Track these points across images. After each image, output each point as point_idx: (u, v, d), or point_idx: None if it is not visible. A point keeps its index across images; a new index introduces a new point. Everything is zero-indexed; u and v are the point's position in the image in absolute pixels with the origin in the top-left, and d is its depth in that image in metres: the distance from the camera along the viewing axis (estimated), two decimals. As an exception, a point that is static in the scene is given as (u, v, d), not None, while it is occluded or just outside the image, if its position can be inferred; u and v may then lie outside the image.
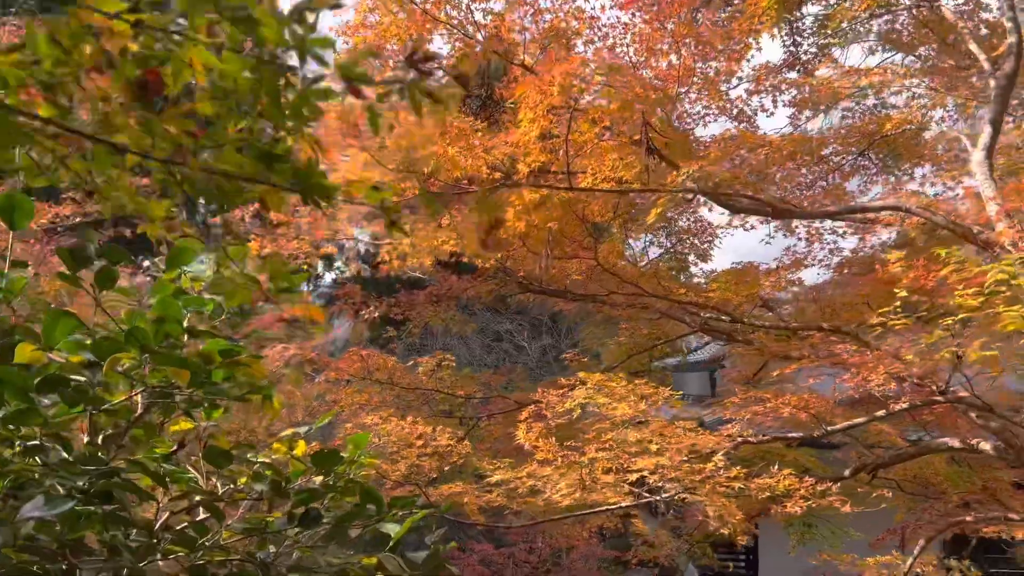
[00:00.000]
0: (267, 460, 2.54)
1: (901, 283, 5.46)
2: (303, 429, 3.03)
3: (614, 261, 8.97)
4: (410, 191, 5.52)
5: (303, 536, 2.44)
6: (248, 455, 2.47)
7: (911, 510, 10.81)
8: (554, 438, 5.50)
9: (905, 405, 5.98)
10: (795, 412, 6.10)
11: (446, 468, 6.02)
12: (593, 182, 5.99)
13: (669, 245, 11.04)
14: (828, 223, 9.37)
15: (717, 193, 6.58)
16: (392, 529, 2.25)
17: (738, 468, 5.17)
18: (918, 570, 6.98)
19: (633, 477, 5.17)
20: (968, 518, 7.06)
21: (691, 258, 10.77)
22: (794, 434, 6.43)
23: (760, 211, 7.10)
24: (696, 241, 10.99)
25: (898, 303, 5.44)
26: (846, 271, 10.18)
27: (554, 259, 8.77)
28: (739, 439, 6.37)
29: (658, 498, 5.22)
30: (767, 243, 10.55)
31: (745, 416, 6.52)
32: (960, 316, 5.11)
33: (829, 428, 6.28)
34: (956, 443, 7.17)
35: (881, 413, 6.21)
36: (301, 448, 2.61)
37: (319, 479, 2.59)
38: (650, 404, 5.72)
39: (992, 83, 6.55)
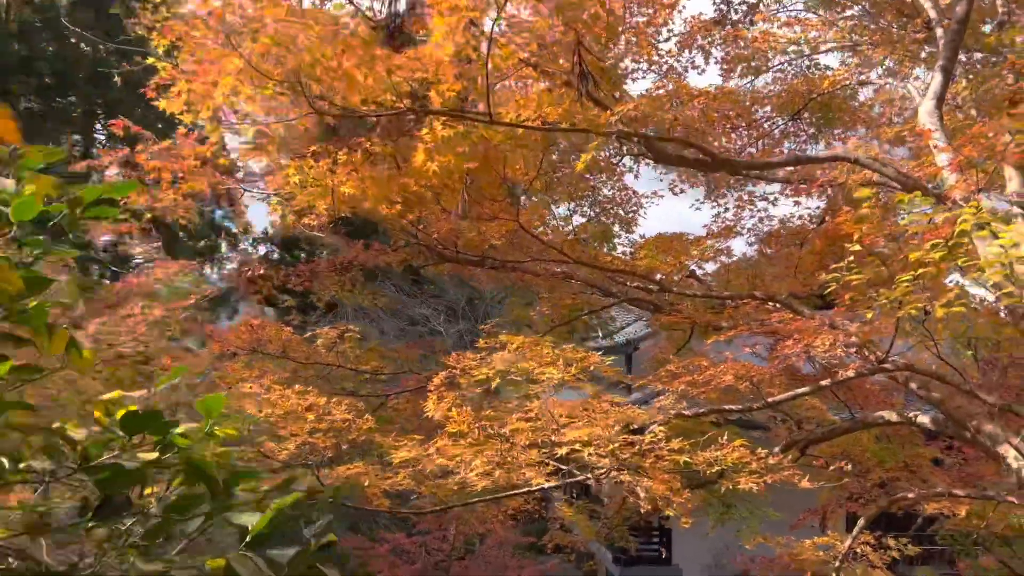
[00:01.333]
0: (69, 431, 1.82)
1: (854, 239, 4.92)
2: (138, 394, 2.35)
3: (537, 225, 8.26)
4: (300, 121, 4.65)
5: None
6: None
7: (835, 487, 10.58)
8: (469, 409, 4.75)
9: (851, 374, 5.49)
10: (735, 382, 5.54)
11: (344, 447, 5.19)
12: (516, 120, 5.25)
13: (593, 215, 10.42)
14: (760, 190, 8.93)
15: (653, 140, 5.95)
16: (249, 521, 1.75)
17: (680, 440, 4.54)
18: (856, 549, 6.56)
19: (563, 451, 4.49)
20: (910, 495, 6.68)
21: (616, 228, 10.18)
22: (732, 407, 5.88)
23: (699, 164, 6.51)
24: (621, 211, 10.42)
25: (851, 258, 4.91)
26: (774, 246, 9.80)
27: (472, 219, 8.01)
28: (672, 413, 5.76)
29: (590, 476, 4.55)
30: (696, 208, 10.03)
31: (679, 387, 5.92)
32: (920, 272, 4.61)
33: (770, 400, 5.74)
34: (893, 417, 6.78)
35: (825, 383, 5.71)
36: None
37: (147, 455, 1.87)
38: (578, 370, 5.04)
39: (940, 32, 6.13)
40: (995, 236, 4.48)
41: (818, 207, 9.70)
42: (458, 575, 17.03)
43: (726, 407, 5.85)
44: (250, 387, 5.09)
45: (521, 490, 5.17)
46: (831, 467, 8.07)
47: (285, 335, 7.52)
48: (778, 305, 7.60)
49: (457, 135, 5.17)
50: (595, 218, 10.20)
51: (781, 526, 11.89)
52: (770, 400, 5.71)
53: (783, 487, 9.19)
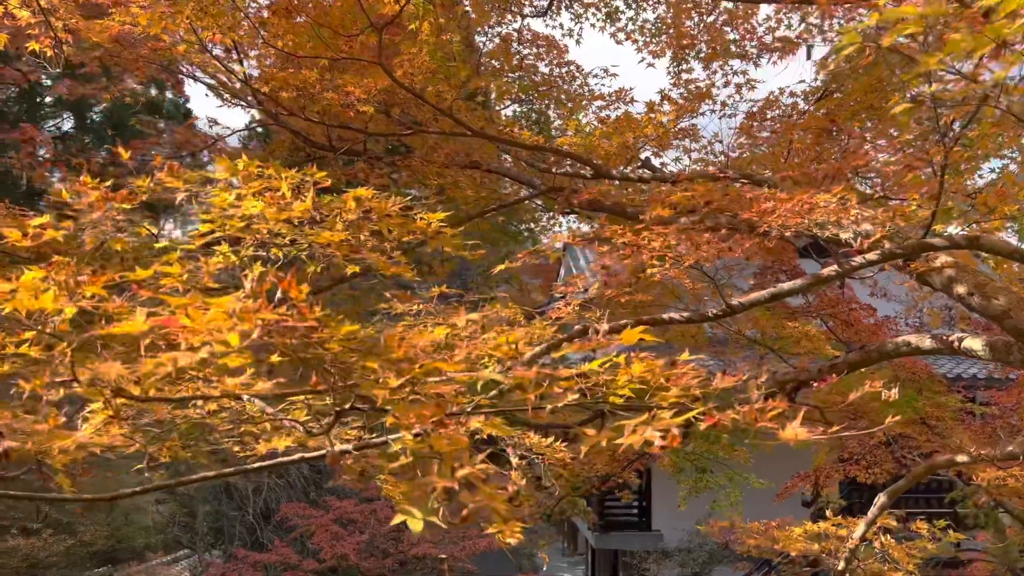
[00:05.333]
0: None
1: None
2: None
3: (421, 84, 5.85)
4: None
5: None
6: None
7: (831, 449, 8.40)
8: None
9: (873, 256, 3.20)
10: (677, 268, 3.23)
11: None
12: None
13: (525, 99, 8.00)
14: (734, 46, 6.52)
15: None
16: None
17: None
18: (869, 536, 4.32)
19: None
20: (940, 458, 4.42)
21: (554, 114, 7.77)
22: (675, 315, 3.57)
23: None
24: (562, 95, 7.99)
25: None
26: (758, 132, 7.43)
27: (328, 69, 5.61)
28: (577, 327, 3.47)
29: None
30: (649, 64, 7.44)
31: (595, 286, 3.61)
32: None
33: (737, 301, 3.43)
34: (926, 342, 4.50)
35: (830, 271, 3.41)
36: None
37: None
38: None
39: None
40: None
41: (815, 80, 7.33)
42: (411, 547, 15.01)
43: (667, 315, 3.54)
44: None
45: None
46: (825, 422, 5.79)
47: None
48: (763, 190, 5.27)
49: None
50: (525, 103, 7.79)
51: (767, 496, 9.77)
52: (737, 302, 3.40)
53: (766, 450, 6.99)
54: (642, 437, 1.53)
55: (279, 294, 1.52)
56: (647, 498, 16.16)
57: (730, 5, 6.40)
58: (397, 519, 1.35)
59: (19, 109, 15.85)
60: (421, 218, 3.01)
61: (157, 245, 2.48)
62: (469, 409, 1.98)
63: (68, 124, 17.32)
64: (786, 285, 3.41)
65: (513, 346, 1.93)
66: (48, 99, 16.61)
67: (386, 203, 2.59)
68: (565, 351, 3.52)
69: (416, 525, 1.33)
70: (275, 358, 1.73)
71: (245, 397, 2.42)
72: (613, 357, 2.01)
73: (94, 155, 17.77)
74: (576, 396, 1.85)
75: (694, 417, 1.72)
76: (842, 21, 5.65)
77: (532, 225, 8.85)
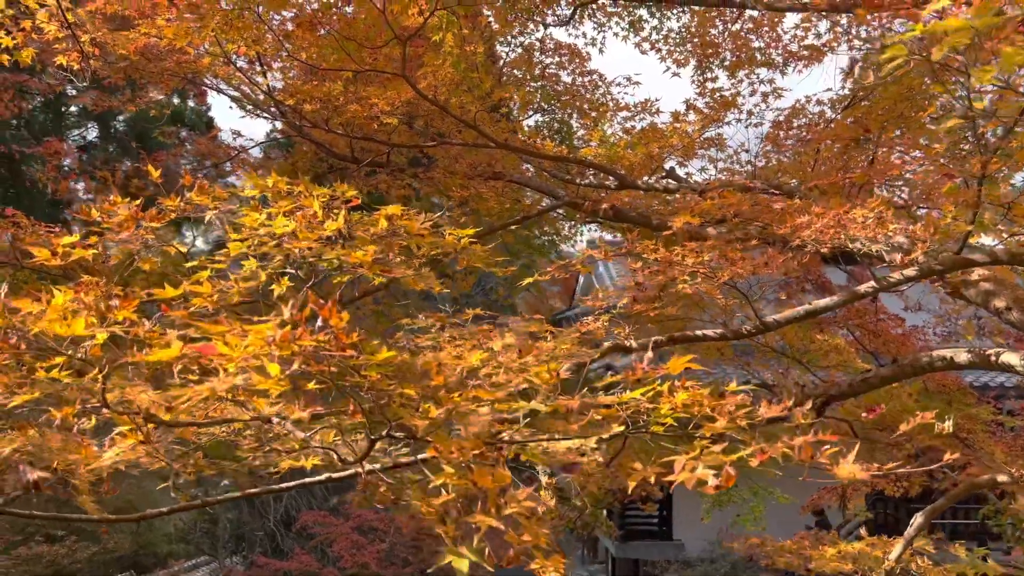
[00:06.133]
0: None
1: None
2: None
3: (444, 96, 5.82)
4: None
5: None
6: None
7: (857, 461, 8.25)
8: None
9: (911, 272, 3.11)
10: (706, 282, 3.15)
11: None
12: None
13: (548, 109, 7.95)
14: (759, 55, 6.43)
15: None
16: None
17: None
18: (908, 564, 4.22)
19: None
20: (981, 476, 4.30)
21: (576, 123, 7.71)
22: (707, 332, 3.50)
23: None
24: (585, 104, 7.93)
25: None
26: (784, 142, 7.34)
27: (352, 82, 5.59)
28: (611, 340, 3.41)
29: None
30: (674, 74, 7.25)
31: (624, 300, 3.55)
32: None
33: (771, 319, 3.35)
34: (963, 356, 4.39)
35: (867, 287, 3.33)
36: None
37: None
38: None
39: None
40: None
41: (843, 88, 7.23)
42: (431, 556, 14.95)
43: (700, 332, 3.47)
44: None
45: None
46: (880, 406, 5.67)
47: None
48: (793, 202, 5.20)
49: None
50: (547, 112, 7.73)
51: (792, 511, 9.62)
52: (771, 319, 3.33)
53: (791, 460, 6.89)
54: (695, 476, 1.47)
55: (319, 322, 1.47)
56: (668, 507, 16.02)
57: (755, 14, 6.32)
58: (444, 560, 1.30)
59: (44, 119, 16.00)
60: (450, 233, 2.97)
61: (188, 264, 2.45)
62: (507, 437, 1.92)
63: (92, 134, 17.49)
64: (821, 302, 3.33)
65: (555, 372, 1.87)
66: (73, 109, 16.76)
67: (415, 221, 2.55)
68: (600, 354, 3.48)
69: (462, 565, 1.27)
70: (312, 385, 1.68)
71: (275, 419, 2.37)
72: (656, 386, 1.95)
73: (118, 164, 17.94)
74: (620, 428, 1.79)
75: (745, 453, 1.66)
76: (869, 30, 5.56)
77: (554, 236, 8.79)
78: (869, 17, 5.34)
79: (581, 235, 12.20)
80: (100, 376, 1.75)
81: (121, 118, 16.80)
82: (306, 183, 2.73)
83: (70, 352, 1.80)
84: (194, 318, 2.27)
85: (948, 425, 2.20)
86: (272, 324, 1.44)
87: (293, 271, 2.67)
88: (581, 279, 19.94)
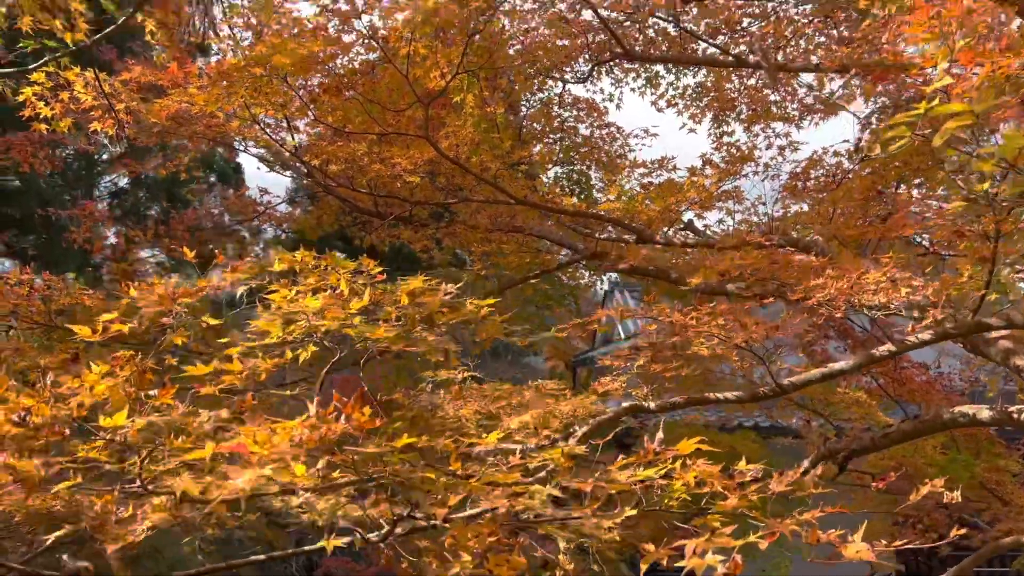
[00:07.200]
0: None
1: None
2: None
3: (465, 155, 5.97)
4: None
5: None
6: None
7: (885, 514, 8.14)
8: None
9: (927, 336, 3.15)
10: (726, 346, 3.21)
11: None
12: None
13: (567, 161, 8.09)
14: (775, 107, 6.54)
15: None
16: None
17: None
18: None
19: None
20: (1011, 537, 4.26)
21: (594, 175, 7.84)
22: (726, 395, 3.54)
23: None
24: (603, 156, 8.06)
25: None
26: (800, 193, 7.40)
27: (377, 144, 5.76)
28: (628, 402, 3.46)
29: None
30: (691, 130, 7.33)
31: (640, 362, 3.61)
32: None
33: (788, 381, 3.40)
34: (985, 413, 4.38)
35: (884, 350, 3.36)
36: None
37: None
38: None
39: None
40: None
41: (859, 140, 7.29)
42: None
43: (713, 396, 3.52)
44: None
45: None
46: (876, 483, 5.65)
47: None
48: (809, 258, 5.27)
49: None
50: (566, 163, 7.87)
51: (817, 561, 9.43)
52: (787, 381, 3.37)
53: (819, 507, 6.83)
54: (704, 563, 1.52)
55: (343, 420, 1.56)
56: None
57: (770, 68, 6.43)
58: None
59: (78, 166, 16.40)
60: (471, 303, 3.06)
61: (221, 340, 2.55)
62: (523, 513, 1.98)
63: (124, 180, 17.89)
64: (836, 365, 3.37)
65: (568, 456, 1.94)
66: (104, 156, 17.19)
67: (436, 296, 2.64)
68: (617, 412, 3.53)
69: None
70: (337, 474, 1.76)
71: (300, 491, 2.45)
72: (669, 464, 2.01)
73: (148, 209, 18.36)
74: (633, 511, 1.85)
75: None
76: (883, 86, 5.65)
77: (574, 287, 8.88)
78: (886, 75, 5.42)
79: (602, 282, 12.25)
80: (139, 462, 1.84)
81: (151, 157, 17.20)
82: (332, 257, 2.84)
83: (109, 437, 1.90)
84: (225, 395, 2.37)
85: (956, 495, 2.25)
86: (299, 423, 1.52)
87: (320, 341, 2.77)
88: (603, 319, 20.00)
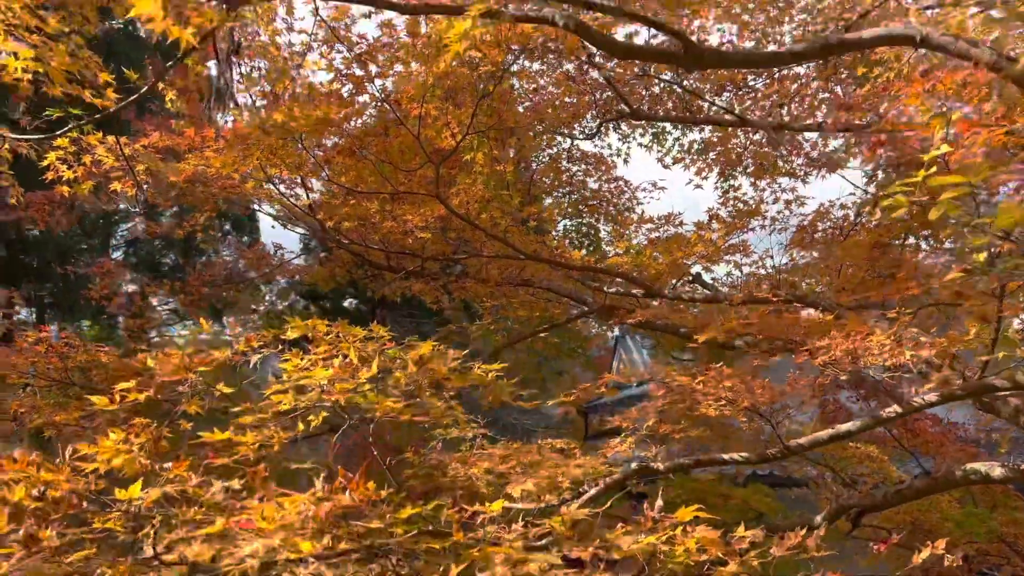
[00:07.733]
0: None
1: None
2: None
3: (475, 211, 6.09)
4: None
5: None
6: None
7: (900, 572, 8.00)
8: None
9: (932, 398, 3.17)
10: (730, 408, 3.25)
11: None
12: None
13: (575, 211, 8.20)
14: (781, 161, 6.64)
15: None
16: None
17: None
18: None
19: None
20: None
21: (603, 228, 7.93)
22: (734, 456, 3.56)
23: (663, 57, 4.25)
24: (612, 208, 8.17)
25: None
26: (807, 246, 7.46)
27: (389, 202, 5.89)
28: (635, 464, 3.48)
29: None
30: (697, 186, 7.33)
31: (650, 422, 3.64)
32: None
33: (795, 442, 3.42)
34: (997, 471, 4.37)
35: (890, 412, 3.38)
36: None
37: None
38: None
39: None
40: None
41: (866, 192, 7.37)
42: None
43: (725, 456, 3.54)
44: None
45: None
46: (878, 545, 5.58)
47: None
48: (817, 313, 5.32)
49: None
50: (575, 216, 7.98)
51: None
52: (795, 443, 3.39)
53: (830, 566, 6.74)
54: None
55: (347, 496, 1.61)
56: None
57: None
58: None
59: (95, 216, 16.67)
60: (479, 368, 3.11)
61: (233, 410, 2.62)
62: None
63: (140, 227, 18.17)
64: (843, 427, 3.38)
65: (569, 521, 1.97)
66: (122, 206, 17.47)
67: (443, 364, 2.70)
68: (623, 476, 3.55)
69: None
70: (344, 545, 1.80)
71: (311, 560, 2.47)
72: (670, 531, 2.04)
73: (164, 257, 18.60)
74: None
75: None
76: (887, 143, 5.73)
77: (585, 333, 8.92)
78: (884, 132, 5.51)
79: (612, 328, 12.26)
80: (152, 531, 1.89)
81: (167, 213, 17.47)
82: (343, 326, 2.91)
83: (124, 508, 1.96)
84: (238, 465, 2.42)
85: (957, 559, 2.26)
86: (306, 497, 1.58)
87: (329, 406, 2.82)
88: (615, 364, 19.92)
